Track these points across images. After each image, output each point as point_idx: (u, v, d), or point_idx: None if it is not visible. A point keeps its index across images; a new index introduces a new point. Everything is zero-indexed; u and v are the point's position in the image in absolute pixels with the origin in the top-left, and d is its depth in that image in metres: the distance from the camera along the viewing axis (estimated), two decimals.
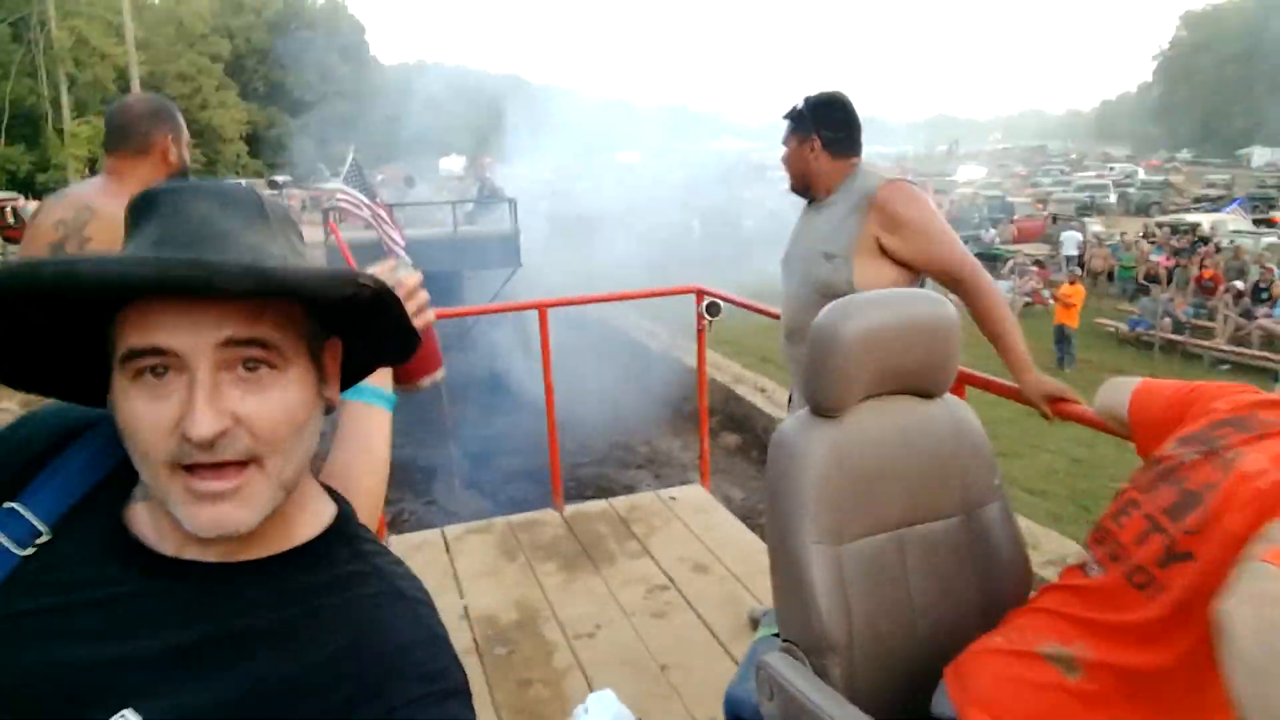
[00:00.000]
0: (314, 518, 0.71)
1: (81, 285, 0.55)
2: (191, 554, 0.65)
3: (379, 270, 0.96)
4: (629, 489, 6.05)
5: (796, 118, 2.36)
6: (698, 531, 3.59)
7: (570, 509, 3.87)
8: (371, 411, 0.98)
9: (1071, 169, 48.66)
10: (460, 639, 2.87)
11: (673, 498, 3.96)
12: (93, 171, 32.91)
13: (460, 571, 3.36)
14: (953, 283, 2.17)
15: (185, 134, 2.16)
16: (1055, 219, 25.80)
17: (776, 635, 1.50)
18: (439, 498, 6.44)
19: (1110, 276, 18.13)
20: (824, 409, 1.46)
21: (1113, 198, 33.25)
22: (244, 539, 0.64)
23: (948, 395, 1.58)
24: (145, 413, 0.59)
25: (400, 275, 1.00)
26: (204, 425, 0.57)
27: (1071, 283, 12.91)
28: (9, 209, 22.28)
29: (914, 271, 2.22)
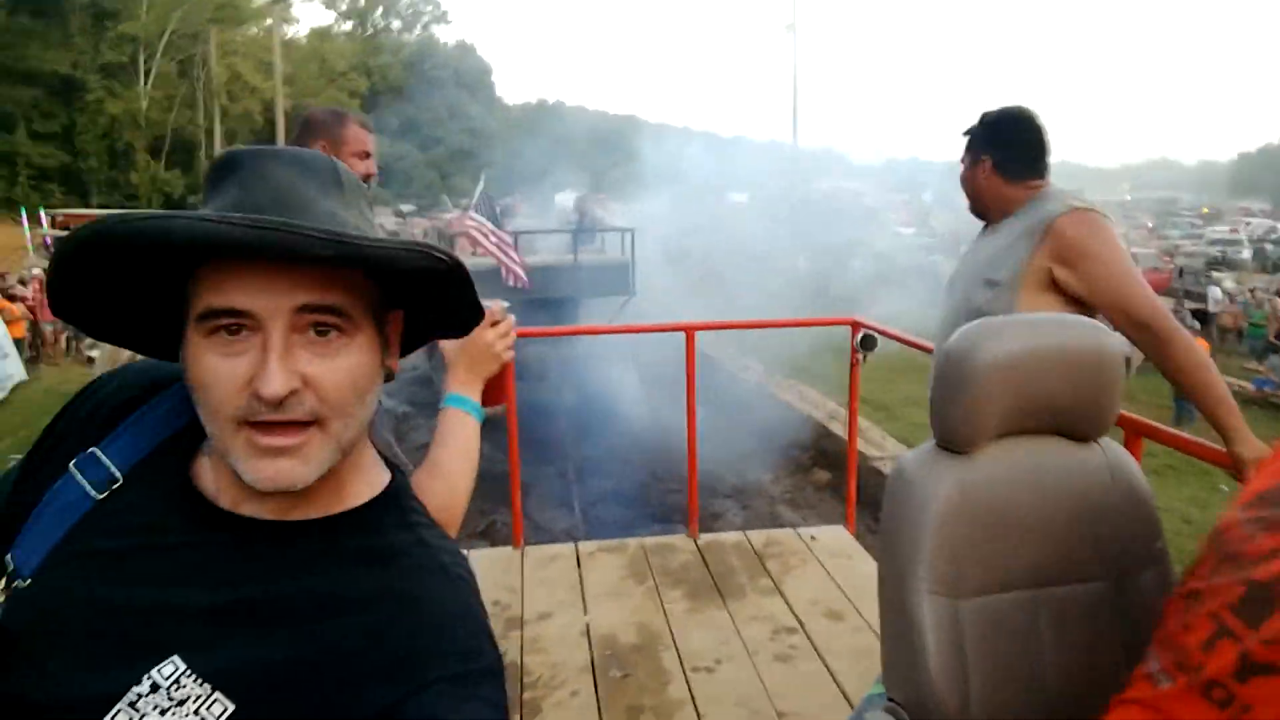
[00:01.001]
0: (367, 484, 0.73)
1: (173, 240, 0.56)
2: (247, 510, 0.67)
3: (494, 307, 1.10)
4: (715, 517, 5.91)
5: (970, 136, 2.23)
6: (836, 575, 3.39)
7: (705, 538, 3.77)
8: (469, 420, 1.07)
9: (1204, 223, 44.71)
10: (577, 656, 2.85)
11: (813, 537, 3.78)
12: None
13: (588, 589, 3.34)
14: (1135, 329, 1.92)
15: (351, 145, 2.13)
16: (1182, 273, 24.35)
17: (884, 694, 1.35)
18: (531, 513, 6.62)
19: (1239, 334, 17.36)
20: (952, 444, 1.30)
21: (1247, 253, 30.92)
22: (298, 499, 0.66)
23: (1105, 441, 1.37)
24: (218, 369, 0.60)
25: (494, 308, 1.10)
26: (276, 384, 0.59)
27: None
28: None
29: (1088, 311, 1.98)
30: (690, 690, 2.65)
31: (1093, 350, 1.30)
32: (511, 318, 1.15)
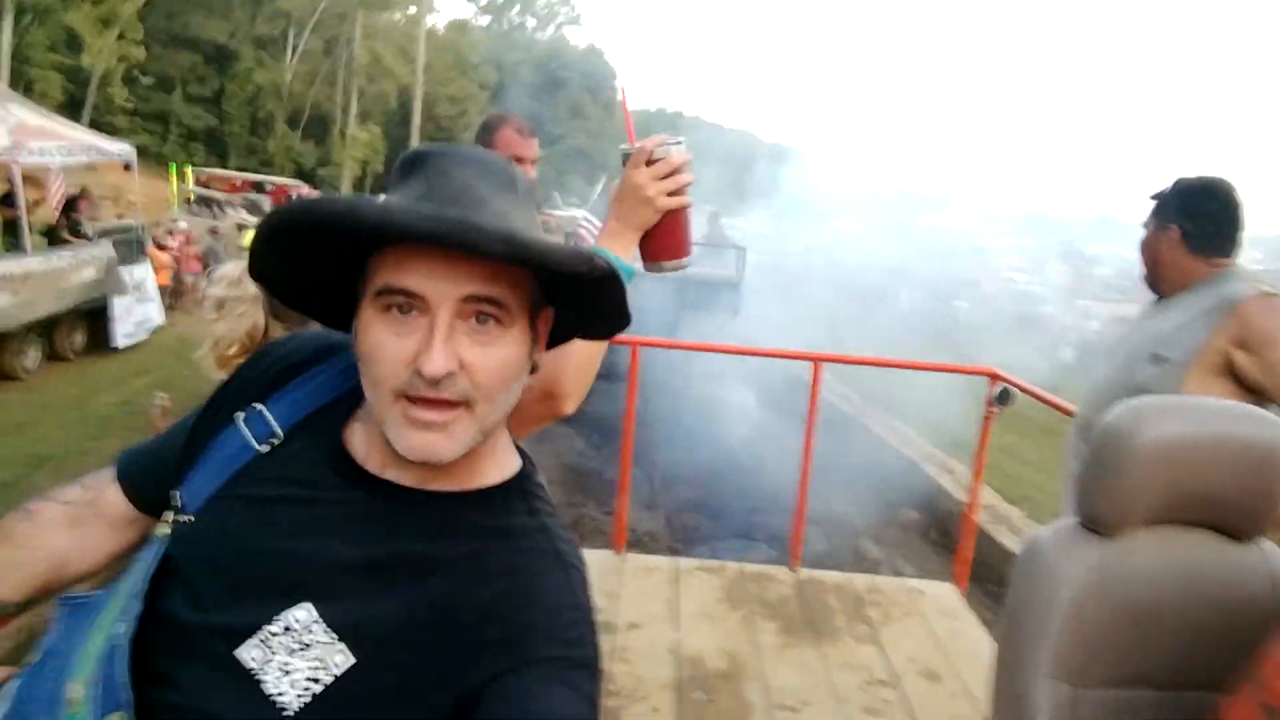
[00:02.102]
0: (500, 468, 0.77)
1: (362, 223, 0.62)
2: (390, 475, 0.72)
3: (649, 142, 1.01)
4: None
5: (1159, 200, 2.10)
6: (939, 633, 3.21)
7: (805, 573, 3.65)
8: None
9: None
10: (662, 672, 2.81)
11: (920, 590, 3.60)
12: (364, 172, 37.58)
13: (682, 606, 3.28)
14: None
15: (499, 150, 2.06)
16: None
17: None
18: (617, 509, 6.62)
19: None
20: (1096, 524, 1.22)
21: None
22: (437, 471, 0.70)
23: (1266, 543, 1.26)
24: (387, 343, 0.65)
25: (670, 152, 0.99)
26: (437, 364, 0.63)
27: None
28: (295, 194, 26.07)
29: (1260, 403, 1.84)
30: None
31: (1265, 443, 1.20)
32: (679, 155, 1.00)
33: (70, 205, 9.81)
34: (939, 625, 3.28)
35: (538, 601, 0.68)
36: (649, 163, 0.99)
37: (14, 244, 8.59)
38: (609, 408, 7.12)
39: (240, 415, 0.77)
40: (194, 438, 0.79)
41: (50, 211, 9.91)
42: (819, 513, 6.38)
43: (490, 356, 0.67)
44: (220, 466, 0.75)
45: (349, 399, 0.76)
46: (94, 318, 9.14)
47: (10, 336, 7.76)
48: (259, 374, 0.81)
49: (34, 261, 8.12)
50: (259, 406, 0.77)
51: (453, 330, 0.65)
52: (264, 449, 0.75)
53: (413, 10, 39.87)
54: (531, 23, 57.46)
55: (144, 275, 10.13)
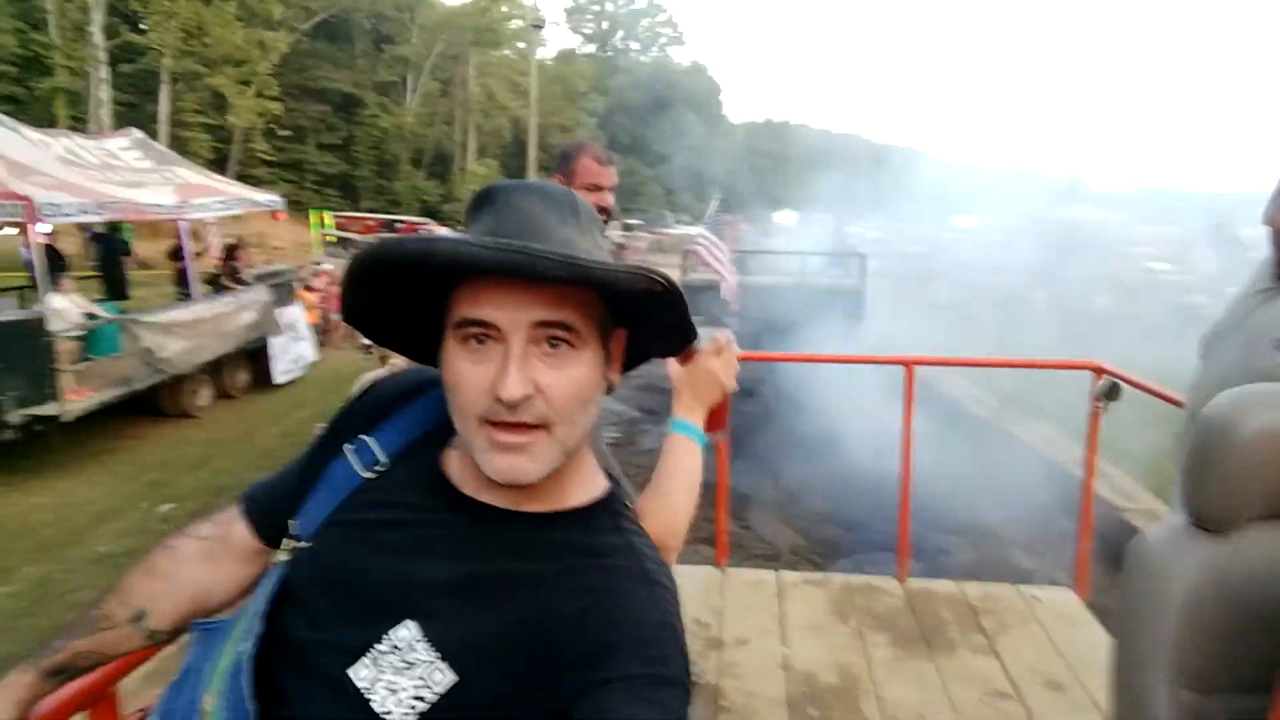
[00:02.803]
0: (586, 489, 0.81)
1: (435, 259, 0.67)
2: (485, 498, 0.77)
3: (721, 336, 1.17)
4: (941, 552, 5.55)
5: None
6: (1059, 642, 3.14)
7: (914, 583, 3.63)
8: (693, 446, 1.13)
9: None
10: (773, 688, 2.85)
11: (1037, 598, 3.51)
12: None
13: (788, 620, 3.31)
14: None
15: (580, 177, 2.14)
16: None
17: None
18: (753, 523, 6.54)
19: None
20: (1205, 521, 1.18)
21: None
22: (527, 493, 0.74)
23: None
24: (468, 372, 0.70)
25: (719, 337, 1.17)
26: (513, 388, 0.67)
27: None
28: (422, 230, 27.23)
29: None
30: None
31: None
32: (735, 347, 1.19)
33: (228, 254, 10.81)
34: (1059, 633, 3.21)
35: (623, 618, 0.70)
36: (717, 352, 1.17)
37: (184, 293, 9.61)
38: (738, 424, 7.19)
39: (349, 447, 0.83)
40: (309, 470, 0.86)
41: (212, 261, 10.97)
42: (964, 523, 6.21)
43: (564, 379, 0.70)
44: (331, 494, 0.81)
45: (446, 428, 0.78)
46: (255, 357, 10.00)
47: (186, 378, 8.61)
48: (365, 408, 0.87)
49: (202, 308, 9.02)
50: (365, 438, 0.83)
51: (527, 356, 0.69)
52: (370, 476, 0.81)
53: (522, 45, 41.32)
54: (635, 46, 58.37)
55: (296, 315, 11.01)
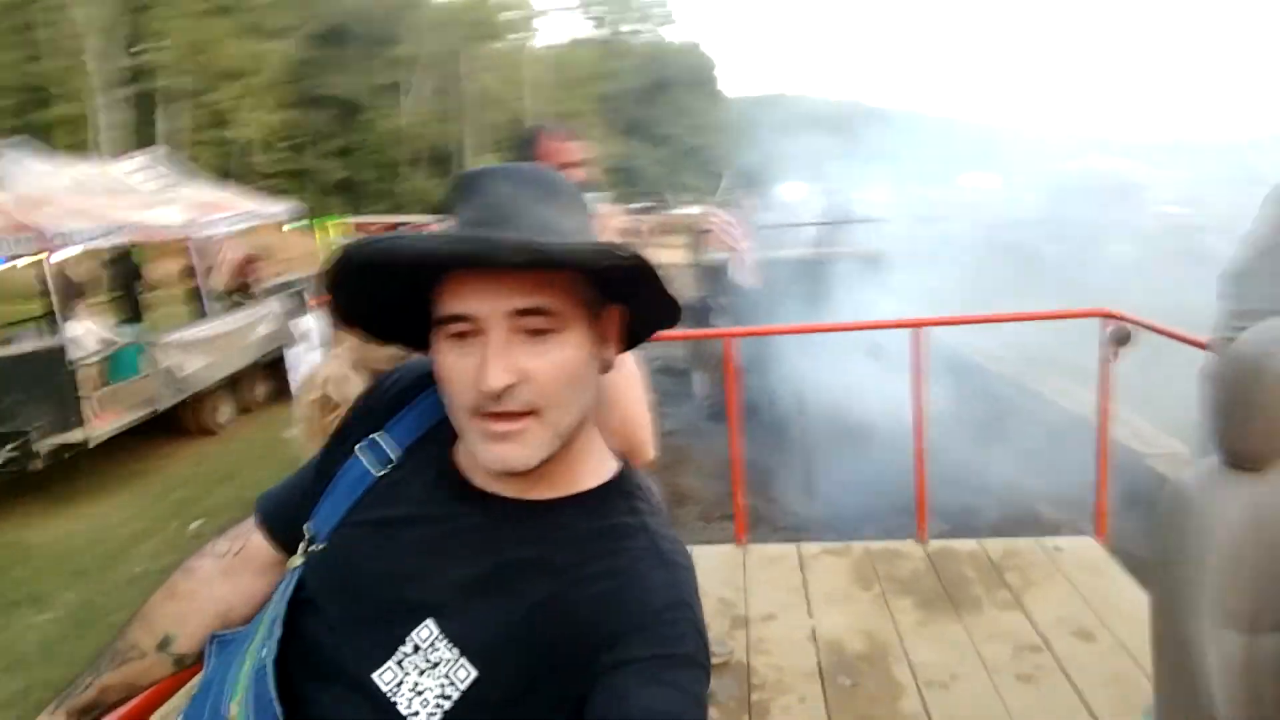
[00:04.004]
0: (595, 472, 0.80)
1: (398, 257, 0.67)
2: (494, 489, 0.76)
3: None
4: (968, 511, 5.53)
5: None
6: (1085, 591, 3.15)
7: (935, 544, 3.62)
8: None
9: None
10: (804, 661, 2.87)
11: (1058, 548, 3.51)
12: None
13: (812, 591, 3.32)
14: None
15: (549, 160, 2.14)
16: None
17: None
18: (778, 497, 6.52)
19: None
20: (1242, 460, 1.15)
21: None
22: (535, 480, 0.74)
23: None
24: (455, 366, 0.70)
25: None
26: (493, 380, 0.67)
27: None
28: (428, 230, 27.29)
29: None
30: (925, 705, 2.59)
31: None
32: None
33: (240, 269, 10.90)
34: (1084, 582, 3.21)
35: (638, 600, 0.70)
36: None
37: (196, 310, 9.71)
38: (759, 399, 7.15)
39: (361, 445, 0.82)
40: (322, 471, 0.85)
41: (223, 277, 11.07)
42: (989, 482, 6.19)
43: (548, 363, 0.69)
44: (344, 495, 0.80)
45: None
46: (272, 369, 10.12)
47: (206, 395, 8.73)
48: (374, 405, 0.86)
49: (217, 324, 9.12)
50: (374, 436, 0.82)
51: (508, 344, 0.68)
52: (381, 473, 0.80)
53: (515, 37, 41.32)
54: (632, 29, 57.97)
55: (310, 325, 11.11)
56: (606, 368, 0.77)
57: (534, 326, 0.69)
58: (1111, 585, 3.19)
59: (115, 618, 4.83)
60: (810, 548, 3.71)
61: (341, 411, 1.07)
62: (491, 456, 0.70)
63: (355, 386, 1.47)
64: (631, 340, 0.82)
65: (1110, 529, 3.55)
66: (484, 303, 0.68)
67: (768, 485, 6.52)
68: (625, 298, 0.76)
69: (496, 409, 0.68)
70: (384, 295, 0.75)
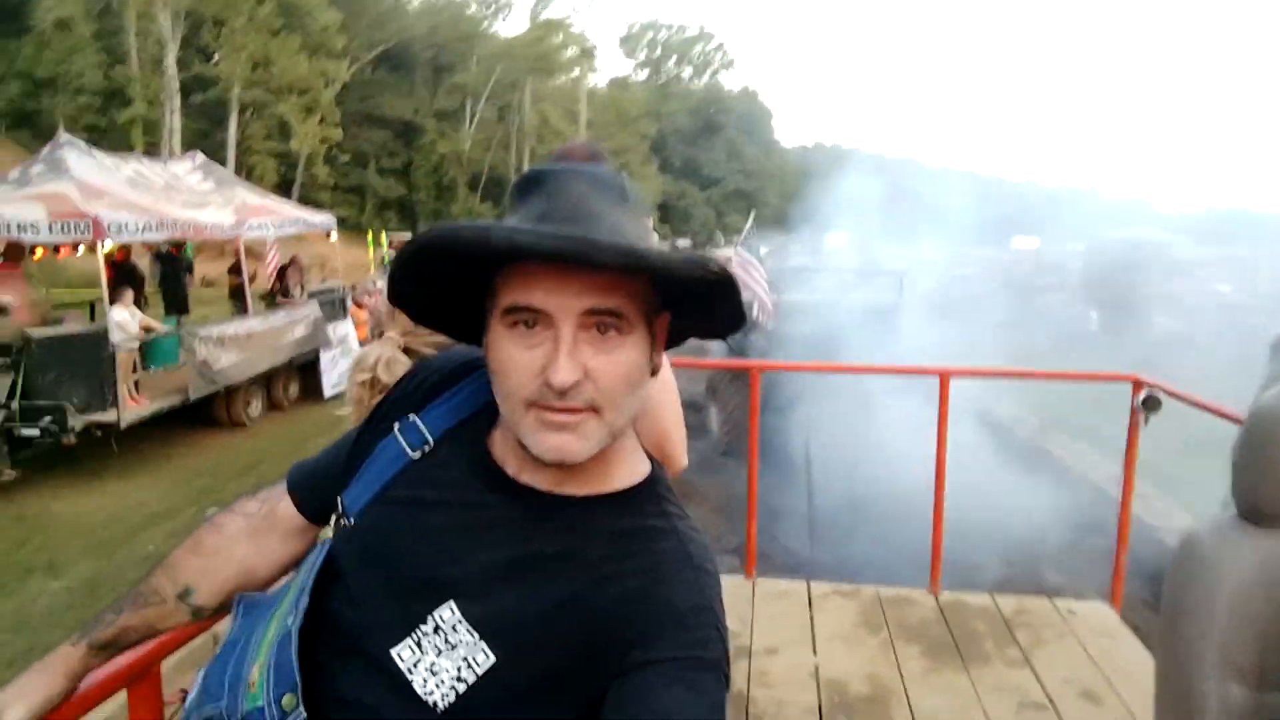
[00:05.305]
0: (629, 472, 0.79)
1: (491, 245, 0.65)
2: (527, 479, 0.76)
3: None
4: (975, 568, 5.39)
5: None
6: (1095, 655, 3.04)
7: (947, 595, 3.54)
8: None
9: None
10: (804, 696, 2.81)
11: (1071, 610, 3.41)
12: None
13: (818, 630, 3.27)
14: None
15: None
16: None
17: None
18: (779, 536, 6.48)
19: None
20: (1254, 515, 1.14)
21: None
22: (571, 475, 0.74)
23: None
24: (517, 356, 0.69)
25: None
26: (564, 374, 0.67)
27: None
28: None
29: None
30: None
31: None
32: None
33: (282, 272, 11.18)
34: (1094, 646, 3.11)
35: (665, 601, 0.69)
36: None
37: (239, 308, 9.94)
38: (771, 439, 7.11)
39: (397, 425, 0.82)
40: (357, 448, 0.86)
41: (267, 278, 11.35)
42: (998, 540, 6.08)
43: (613, 364, 0.69)
44: (379, 473, 0.80)
45: (492, 410, 0.77)
46: (305, 371, 10.29)
47: (238, 389, 8.90)
48: (414, 389, 0.87)
49: (255, 322, 9.33)
50: (413, 417, 0.82)
51: (576, 341, 0.67)
52: (416, 455, 0.80)
53: (576, 73, 42.28)
54: (688, 72, 59.01)
55: (346, 331, 11.29)
56: (655, 371, 0.76)
57: (602, 325, 0.69)
58: (1123, 651, 3.09)
59: (121, 591, 4.90)
60: (820, 586, 3.66)
61: None
62: (547, 446, 0.69)
63: (403, 369, 1.48)
64: (670, 345, 0.82)
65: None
66: (561, 298, 0.67)
67: (772, 524, 6.47)
68: (673, 304, 0.76)
69: (559, 404, 0.68)
70: (441, 281, 0.75)
